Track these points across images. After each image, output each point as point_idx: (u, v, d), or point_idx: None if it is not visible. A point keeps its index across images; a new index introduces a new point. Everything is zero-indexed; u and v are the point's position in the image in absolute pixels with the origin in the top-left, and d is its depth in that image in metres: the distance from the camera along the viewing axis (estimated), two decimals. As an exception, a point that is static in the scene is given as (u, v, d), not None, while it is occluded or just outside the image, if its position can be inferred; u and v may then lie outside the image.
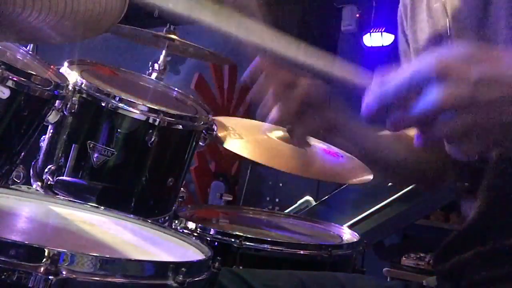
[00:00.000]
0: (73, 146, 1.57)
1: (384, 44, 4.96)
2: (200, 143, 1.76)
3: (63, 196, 1.45)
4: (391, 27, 4.89)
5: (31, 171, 1.65)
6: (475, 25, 1.00)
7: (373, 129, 1.21)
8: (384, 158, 1.22)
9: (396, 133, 1.25)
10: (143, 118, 1.59)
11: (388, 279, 3.90)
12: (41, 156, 1.68)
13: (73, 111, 1.55)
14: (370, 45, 5.05)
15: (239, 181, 5.58)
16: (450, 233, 1.10)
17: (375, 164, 1.27)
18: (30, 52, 1.63)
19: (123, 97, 1.59)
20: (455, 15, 1.05)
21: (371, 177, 2.00)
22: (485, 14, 0.99)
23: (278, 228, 1.89)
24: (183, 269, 0.83)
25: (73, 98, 1.55)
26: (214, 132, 1.80)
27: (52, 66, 1.58)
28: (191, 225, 1.60)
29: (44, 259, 0.74)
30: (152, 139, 1.58)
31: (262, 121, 1.16)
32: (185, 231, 1.53)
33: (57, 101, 1.48)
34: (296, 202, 3.79)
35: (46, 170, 1.59)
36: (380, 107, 0.71)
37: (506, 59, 0.68)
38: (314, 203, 3.72)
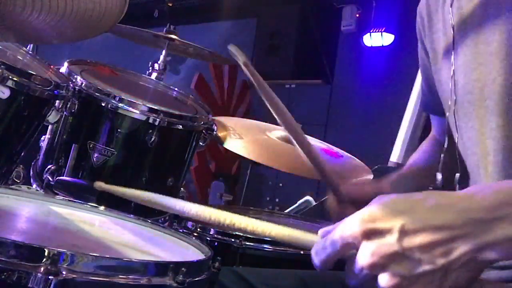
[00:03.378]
0: (73, 146, 1.57)
1: (384, 44, 4.96)
2: (200, 143, 1.76)
3: (63, 196, 1.45)
4: (391, 27, 4.89)
5: (31, 171, 1.65)
6: (473, 37, 1.01)
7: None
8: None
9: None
10: (143, 118, 1.59)
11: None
12: (41, 156, 1.68)
13: (73, 111, 1.55)
14: (370, 45, 5.05)
15: (239, 181, 5.58)
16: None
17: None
18: (30, 52, 1.63)
19: (123, 97, 1.59)
20: (458, 27, 1.05)
21: (371, 177, 1.99)
22: (482, 27, 0.99)
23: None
24: (183, 269, 0.83)
25: (73, 98, 1.55)
26: (214, 132, 1.80)
27: (52, 66, 1.58)
28: (191, 225, 1.60)
29: (44, 259, 0.74)
30: (152, 139, 1.58)
31: None
32: (185, 231, 1.53)
33: (57, 101, 1.48)
34: (296, 202, 3.78)
35: (46, 170, 1.59)
36: (323, 264, 0.74)
37: (428, 202, 0.69)
38: (314, 203, 3.71)
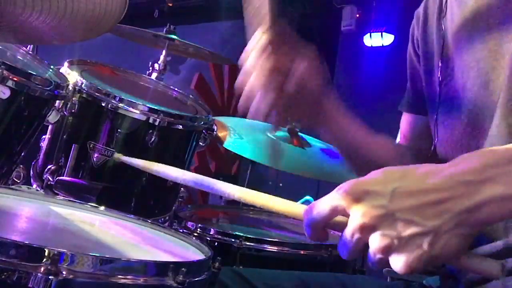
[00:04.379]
0: (73, 146, 1.58)
1: (384, 44, 4.96)
2: (200, 143, 1.76)
3: (63, 196, 1.45)
4: (391, 27, 4.89)
5: (31, 171, 1.65)
6: (468, 39, 1.03)
7: (361, 129, 1.21)
8: (365, 159, 1.22)
9: (381, 139, 1.26)
10: (143, 118, 1.59)
11: (388, 279, 3.89)
12: (41, 156, 1.68)
13: (73, 111, 1.55)
14: (370, 45, 5.05)
15: (239, 181, 5.57)
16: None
17: (353, 162, 1.27)
18: (30, 52, 1.63)
19: (123, 97, 1.59)
20: (452, 33, 1.07)
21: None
22: (476, 30, 1.02)
23: (278, 228, 1.89)
24: (183, 269, 0.83)
25: (73, 98, 1.55)
26: (214, 132, 1.80)
27: (52, 66, 1.58)
28: (191, 225, 1.60)
29: (44, 259, 0.74)
30: (152, 139, 1.58)
31: (245, 116, 1.08)
32: (185, 231, 1.53)
33: (57, 101, 1.48)
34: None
35: (46, 170, 1.59)
36: (315, 232, 0.74)
37: (419, 169, 0.70)
38: (314, 203, 3.72)
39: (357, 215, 0.68)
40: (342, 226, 0.71)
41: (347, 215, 0.70)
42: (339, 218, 0.72)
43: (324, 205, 0.72)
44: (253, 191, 0.85)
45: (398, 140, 1.35)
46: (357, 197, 0.69)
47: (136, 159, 1.17)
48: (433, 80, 1.14)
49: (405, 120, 1.33)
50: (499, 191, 0.67)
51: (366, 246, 0.69)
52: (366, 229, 0.68)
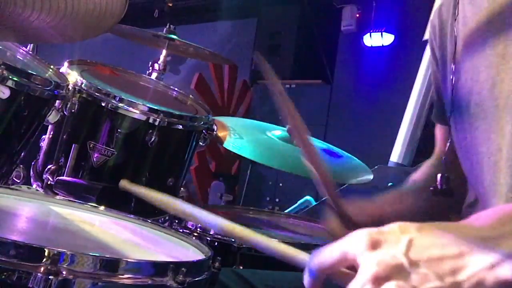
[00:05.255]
0: (73, 146, 1.57)
1: (384, 44, 4.96)
2: (200, 143, 1.76)
3: (63, 196, 1.45)
4: (391, 27, 4.89)
5: (31, 171, 1.65)
6: (480, 43, 1.03)
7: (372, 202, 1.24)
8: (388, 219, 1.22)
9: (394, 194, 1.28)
10: (143, 118, 1.59)
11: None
12: (41, 156, 1.68)
13: (73, 111, 1.55)
14: (370, 45, 5.05)
15: (239, 181, 5.58)
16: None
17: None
18: (30, 52, 1.63)
19: (123, 97, 1.59)
20: (464, 36, 1.08)
21: (371, 177, 2.00)
22: (487, 35, 1.02)
23: (278, 228, 1.88)
24: (183, 269, 0.83)
25: (73, 98, 1.55)
26: (214, 132, 1.80)
27: (52, 66, 1.58)
28: (191, 225, 1.60)
29: (44, 259, 0.74)
30: (152, 139, 1.58)
31: None
32: (185, 231, 1.53)
33: (57, 101, 1.48)
34: (296, 202, 3.79)
35: (46, 170, 1.59)
36: (316, 280, 0.68)
37: (436, 224, 0.67)
38: (314, 203, 3.72)
39: (370, 264, 0.63)
40: (348, 279, 0.65)
41: (357, 266, 0.65)
42: (346, 270, 0.67)
43: (333, 250, 0.66)
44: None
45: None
46: (370, 245, 0.64)
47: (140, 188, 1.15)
48: (446, 86, 1.14)
49: (438, 131, 1.33)
50: None
51: None
52: (379, 280, 0.62)
